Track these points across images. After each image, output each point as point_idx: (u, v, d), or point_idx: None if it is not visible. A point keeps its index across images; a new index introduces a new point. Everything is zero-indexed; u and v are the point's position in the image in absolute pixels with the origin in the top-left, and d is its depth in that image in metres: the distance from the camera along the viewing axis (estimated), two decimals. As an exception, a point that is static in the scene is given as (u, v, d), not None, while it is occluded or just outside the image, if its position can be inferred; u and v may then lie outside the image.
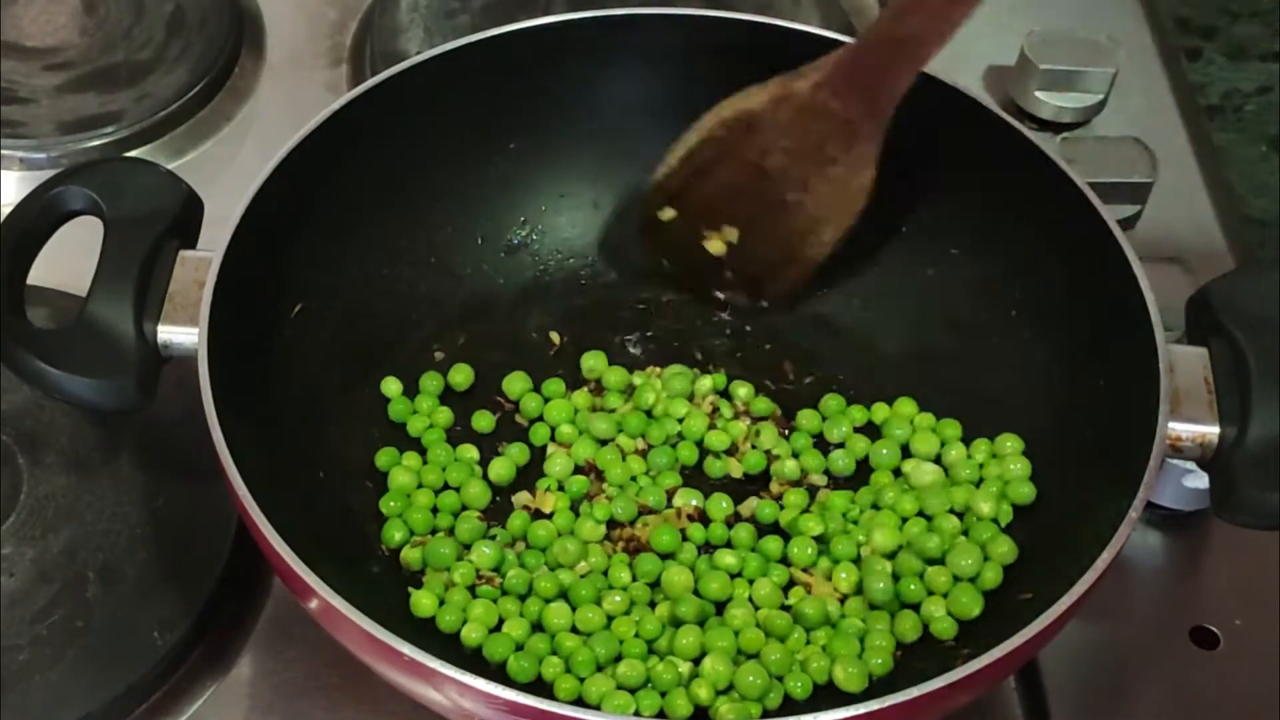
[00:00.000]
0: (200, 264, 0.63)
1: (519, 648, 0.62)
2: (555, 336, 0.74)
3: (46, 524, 0.68)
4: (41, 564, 0.66)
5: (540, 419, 0.71)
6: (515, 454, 0.69)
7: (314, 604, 0.56)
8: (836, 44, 0.72)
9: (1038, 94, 0.86)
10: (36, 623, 0.65)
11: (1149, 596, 0.70)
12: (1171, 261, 0.79)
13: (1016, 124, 0.69)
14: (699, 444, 0.70)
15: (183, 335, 0.62)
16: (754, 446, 0.70)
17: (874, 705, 0.52)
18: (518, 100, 0.74)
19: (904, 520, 0.66)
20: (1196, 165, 0.88)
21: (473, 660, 0.62)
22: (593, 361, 0.73)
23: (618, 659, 0.61)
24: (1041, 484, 0.66)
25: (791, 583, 0.65)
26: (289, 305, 0.68)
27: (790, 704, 0.61)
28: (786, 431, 0.71)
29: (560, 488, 0.68)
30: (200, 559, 0.67)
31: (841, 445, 0.70)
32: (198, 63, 0.89)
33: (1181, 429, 0.60)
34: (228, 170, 0.85)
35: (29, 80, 0.87)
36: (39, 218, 0.64)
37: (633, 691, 0.60)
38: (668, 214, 0.72)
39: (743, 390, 0.72)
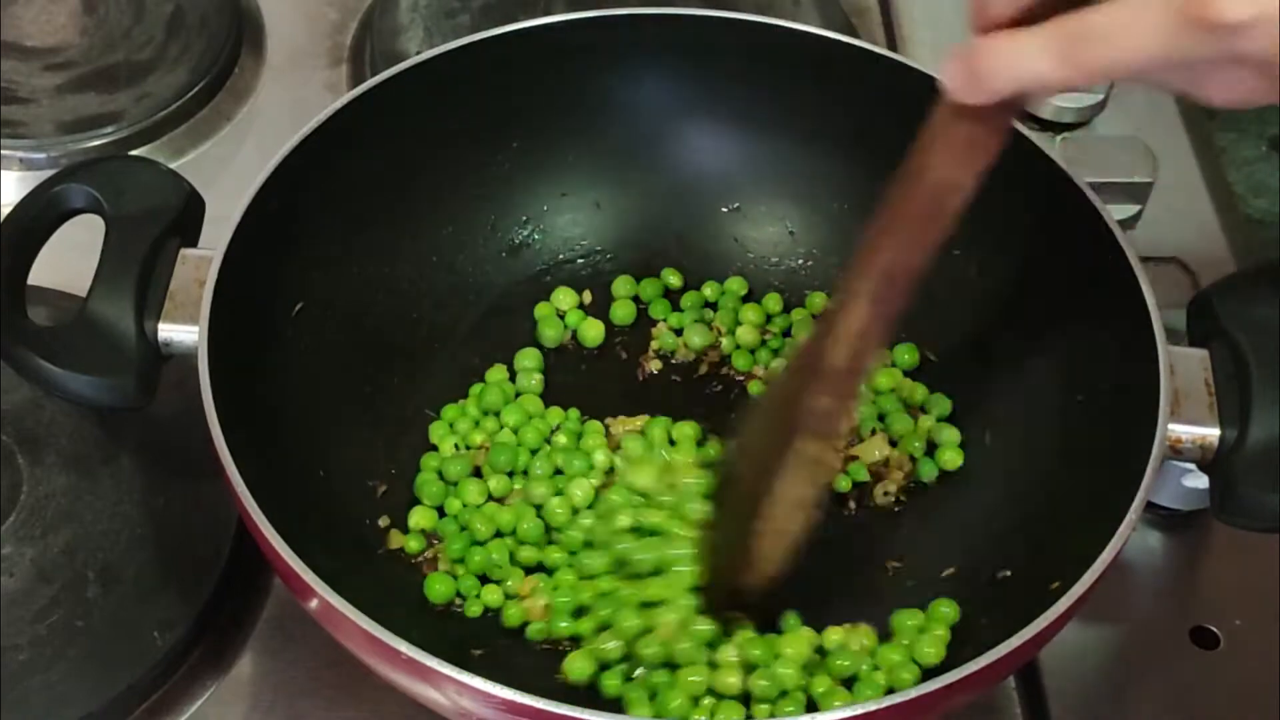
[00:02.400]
0: (201, 262, 0.63)
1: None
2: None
3: (46, 524, 0.68)
4: (41, 564, 0.66)
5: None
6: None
7: (314, 604, 0.56)
8: (836, 44, 0.73)
9: (1038, 94, 0.86)
10: (36, 622, 0.65)
11: (1149, 596, 0.70)
12: (1171, 261, 0.79)
13: (1016, 124, 0.69)
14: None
15: (183, 333, 0.62)
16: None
17: (874, 705, 0.52)
18: (518, 100, 0.74)
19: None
20: (1196, 165, 0.88)
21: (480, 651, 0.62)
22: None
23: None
24: (1042, 484, 0.66)
25: None
26: (290, 304, 0.68)
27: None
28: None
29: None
30: (200, 559, 0.67)
31: None
32: (198, 63, 0.89)
33: (1181, 431, 0.60)
34: (228, 170, 0.85)
35: (29, 80, 0.87)
36: (40, 215, 0.64)
37: None
38: None
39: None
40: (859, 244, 0.56)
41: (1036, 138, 0.68)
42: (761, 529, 0.59)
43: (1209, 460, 0.60)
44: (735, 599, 0.61)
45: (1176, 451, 0.60)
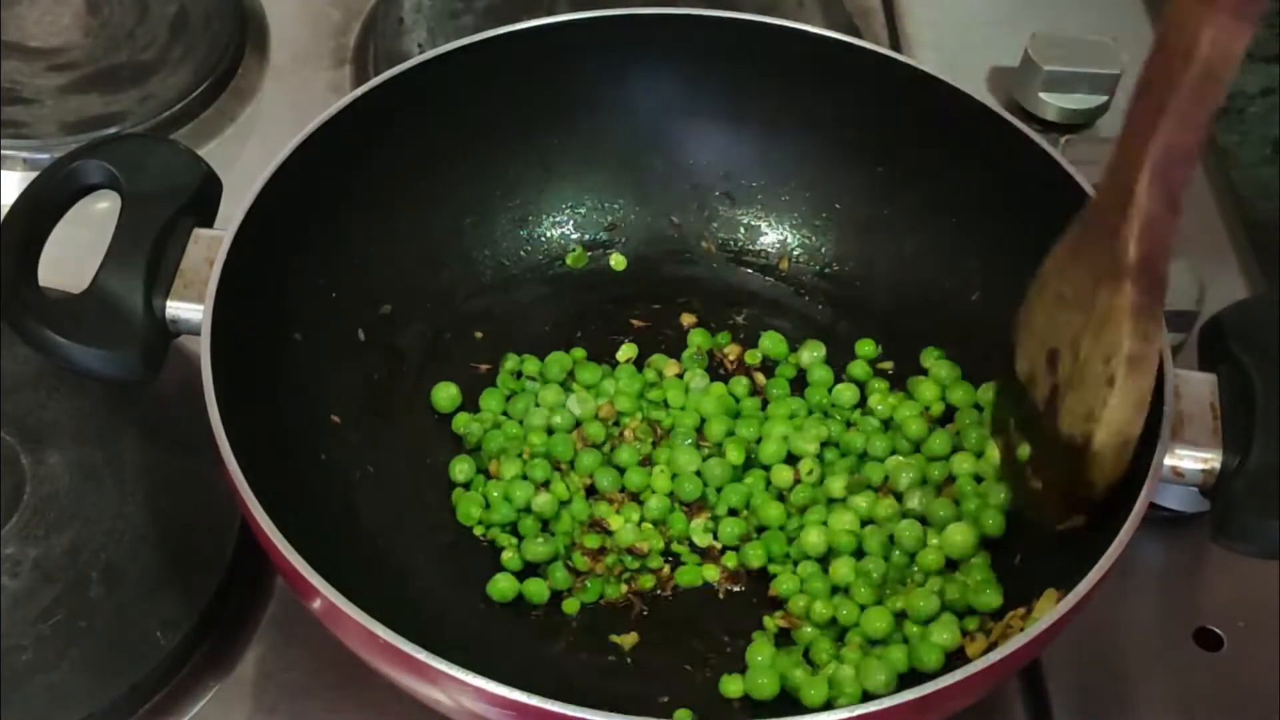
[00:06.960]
0: (213, 242, 0.63)
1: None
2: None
3: (50, 524, 0.68)
4: (44, 564, 0.67)
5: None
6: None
7: (317, 604, 0.56)
8: (840, 45, 0.72)
9: (1042, 95, 0.86)
10: (39, 623, 0.65)
11: (1152, 597, 0.70)
12: (1174, 263, 0.79)
13: (1020, 125, 0.69)
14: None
15: (190, 311, 0.62)
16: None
17: (875, 706, 0.52)
18: (520, 100, 0.74)
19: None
20: (1201, 168, 0.87)
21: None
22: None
23: None
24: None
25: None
26: (298, 290, 0.68)
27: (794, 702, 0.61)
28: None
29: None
30: (203, 559, 0.67)
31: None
32: (201, 63, 0.89)
33: (1184, 453, 0.59)
34: (231, 171, 0.84)
35: (32, 81, 0.87)
36: (58, 189, 0.64)
37: None
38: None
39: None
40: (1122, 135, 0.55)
41: (1040, 139, 0.68)
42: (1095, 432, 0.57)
43: (1211, 485, 0.60)
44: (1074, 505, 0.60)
45: (1178, 475, 0.59)
